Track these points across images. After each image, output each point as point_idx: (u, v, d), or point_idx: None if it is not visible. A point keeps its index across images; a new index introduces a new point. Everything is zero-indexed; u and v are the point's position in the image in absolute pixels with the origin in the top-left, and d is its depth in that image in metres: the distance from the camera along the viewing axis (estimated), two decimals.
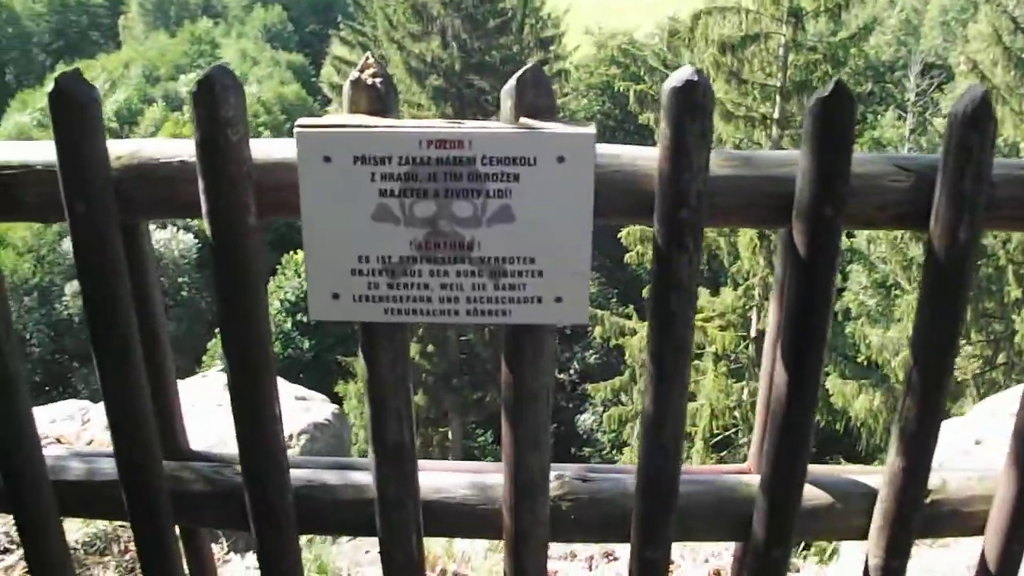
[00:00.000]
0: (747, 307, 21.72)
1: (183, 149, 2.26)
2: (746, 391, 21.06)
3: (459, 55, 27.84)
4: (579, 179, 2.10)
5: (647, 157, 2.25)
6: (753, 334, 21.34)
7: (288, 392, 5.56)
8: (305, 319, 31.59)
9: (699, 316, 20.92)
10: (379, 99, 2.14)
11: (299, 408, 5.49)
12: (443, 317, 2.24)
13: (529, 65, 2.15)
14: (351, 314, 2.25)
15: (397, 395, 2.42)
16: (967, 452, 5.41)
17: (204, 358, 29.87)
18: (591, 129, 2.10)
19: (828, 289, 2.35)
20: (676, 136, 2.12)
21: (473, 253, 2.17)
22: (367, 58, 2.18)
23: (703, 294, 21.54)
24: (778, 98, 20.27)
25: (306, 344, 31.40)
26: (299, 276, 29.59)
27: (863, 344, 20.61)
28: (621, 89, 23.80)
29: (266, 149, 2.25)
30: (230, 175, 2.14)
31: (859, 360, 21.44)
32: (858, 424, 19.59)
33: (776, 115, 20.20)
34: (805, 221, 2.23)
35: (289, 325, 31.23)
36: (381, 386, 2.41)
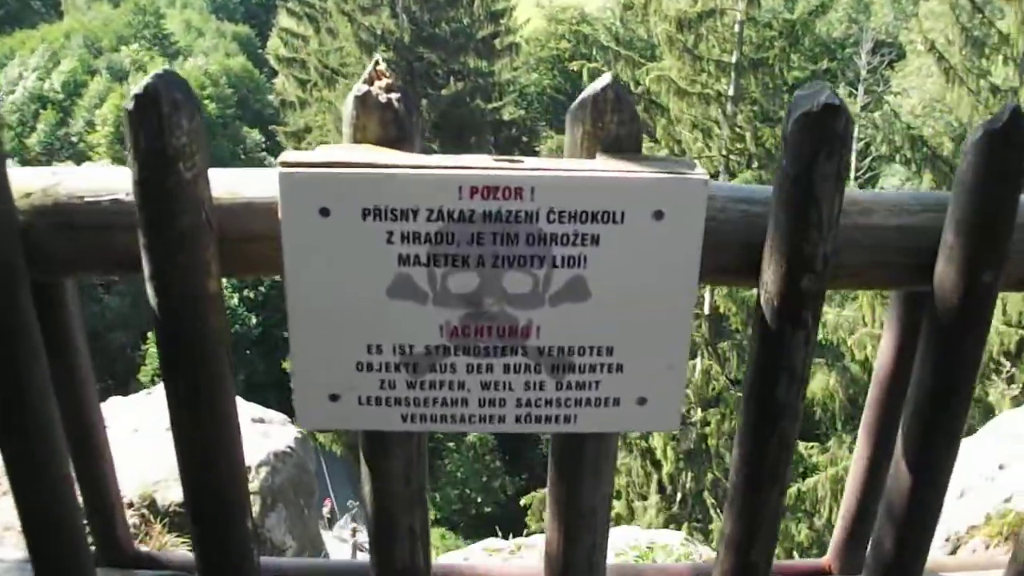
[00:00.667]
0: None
1: (119, 183, 1.58)
2: (697, 369, 20.65)
3: (409, 27, 26.92)
4: (683, 241, 1.47)
5: (757, 200, 1.63)
6: (707, 311, 20.93)
7: (244, 414, 4.87)
8: (252, 294, 30.60)
9: None
10: (397, 124, 1.48)
11: (256, 433, 4.77)
12: (483, 425, 1.60)
13: (605, 79, 1.50)
14: (356, 421, 1.60)
15: (411, 511, 1.78)
16: (991, 479, 4.82)
17: (149, 349, 28.43)
18: (701, 172, 1.47)
19: (974, 370, 1.76)
20: (803, 179, 1.50)
21: (529, 342, 1.53)
22: (377, 63, 1.51)
23: None
24: (733, 75, 19.76)
25: (253, 320, 30.40)
26: None
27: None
28: (575, 68, 23.09)
29: (233, 183, 1.58)
30: (181, 229, 1.47)
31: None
32: (814, 403, 19.30)
33: (731, 92, 19.70)
34: (953, 284, 1.62)
35: (236, 301, 30.15)
36: (389, 500, 1.76)
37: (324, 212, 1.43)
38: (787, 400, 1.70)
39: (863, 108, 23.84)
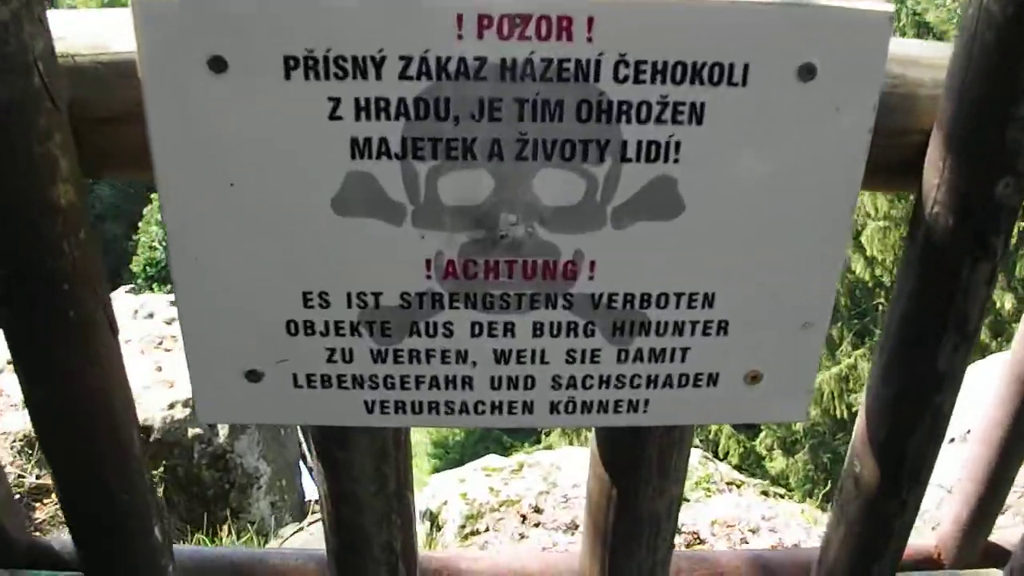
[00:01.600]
0: None
1: None
2: None
3: None
4: (846, 118, 0.83)
5: (922, 61, 1.00)
6: None
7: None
8: None
9: None
10: None
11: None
12: (498, 417, 0.97)
13: None
14: (291, 411, 0.97)
15: (387, 523, 1.18)
16: (954, 443, 3.69)
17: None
18: (882, 4, 0.82)
19: None
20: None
21: (576, 286, 0.89)
22: None
23: None
24: None
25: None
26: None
27: None
28: None
29: (96, 32, 0.94)
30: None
31: None
32: None
33: None
34: None
35: None
36: (355, 509, 1.16)
37: (217, 64, 0.78)
38: (951, 367, 1.09)
39: None
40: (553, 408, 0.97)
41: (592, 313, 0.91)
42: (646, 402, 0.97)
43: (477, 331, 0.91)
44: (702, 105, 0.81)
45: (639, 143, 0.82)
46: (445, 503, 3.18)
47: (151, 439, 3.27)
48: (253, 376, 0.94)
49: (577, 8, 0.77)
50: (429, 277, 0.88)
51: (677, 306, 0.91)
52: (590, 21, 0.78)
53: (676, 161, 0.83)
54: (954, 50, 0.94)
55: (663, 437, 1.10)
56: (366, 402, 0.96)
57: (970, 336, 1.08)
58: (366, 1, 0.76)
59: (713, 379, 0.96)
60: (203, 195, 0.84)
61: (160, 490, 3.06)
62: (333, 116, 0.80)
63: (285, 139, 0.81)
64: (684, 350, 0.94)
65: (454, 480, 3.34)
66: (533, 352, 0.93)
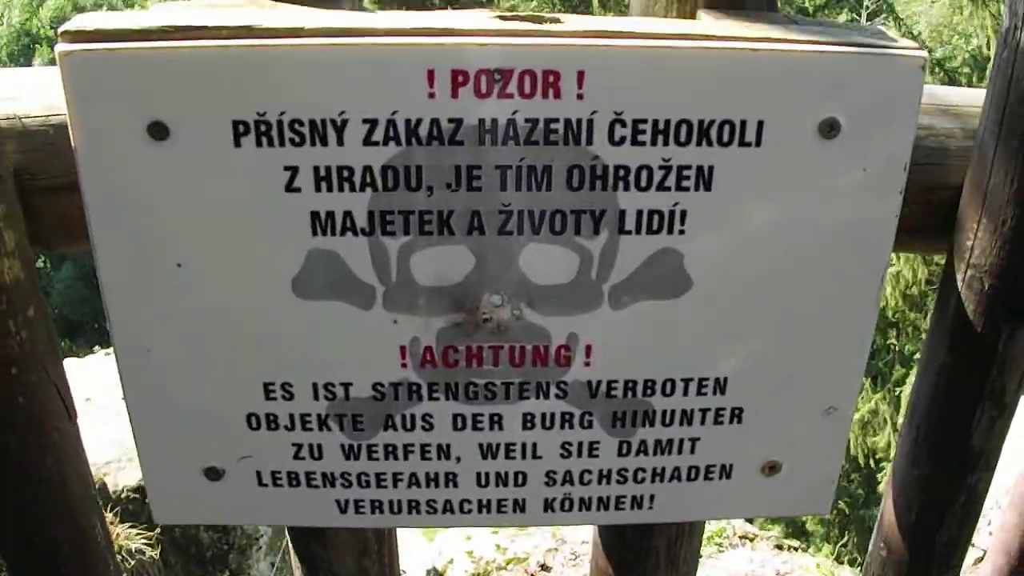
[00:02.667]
0: None
1: None
2: None
3: None
4: (874, 179, 0.71)
5: (951, 110, 0.89)
6: None
7: None
8: None
9: None
10: None
11: None
12: (485, 516, 0.85)
13: None
14: (255, 511, 0.85)
15: None
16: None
17: None
18: (911, 47, 0.70)
19: None
20: None
21: (571, 373, 0.77)
22: None
23: None
24: None
25: None
26: None
27: None
28: None
29: (47, 90, 0.84)
30: None
31: None
32: None
33: None
34: None
35: None
36: None
37: (157, 131, 0.67)
38: (987, 444, 0.97)
39: None
40: (548, 506, 0.84)
41: (589, 402, 0.79)
42: (651, 497, 0.85)
43: (460, 424, 0.79)
44: (710, 169, 0.70)
45: (639, 213, 0.71)
46: (451, 561, 3.04)
47: (146, 501, 3.14)
48: (213, 474, 0.82)
49: (565, 61, 0.66)
50: (404, 366, 0.76)
51: (685, 393, 0.79)
52: (580, 75, 0.66)
53: (681, 232, 0.72)
54: (986, 97, 0.83)
55: (672, 526, 0.98)
56: (338, 501, 0.84)
57: (1008, 409, 0.96)
58: (322, 59, 0.65)
59: (726, 471, 0.84)
60: (148, 277, 0.73)
61: (156, 552, 2.93)
62: (290, 187, 0.69)
63: (237, 214, 0.70)
64: (693, 441, 0.82)
65: (460, 537, 3.21)
66: (524, 446, 0.81)
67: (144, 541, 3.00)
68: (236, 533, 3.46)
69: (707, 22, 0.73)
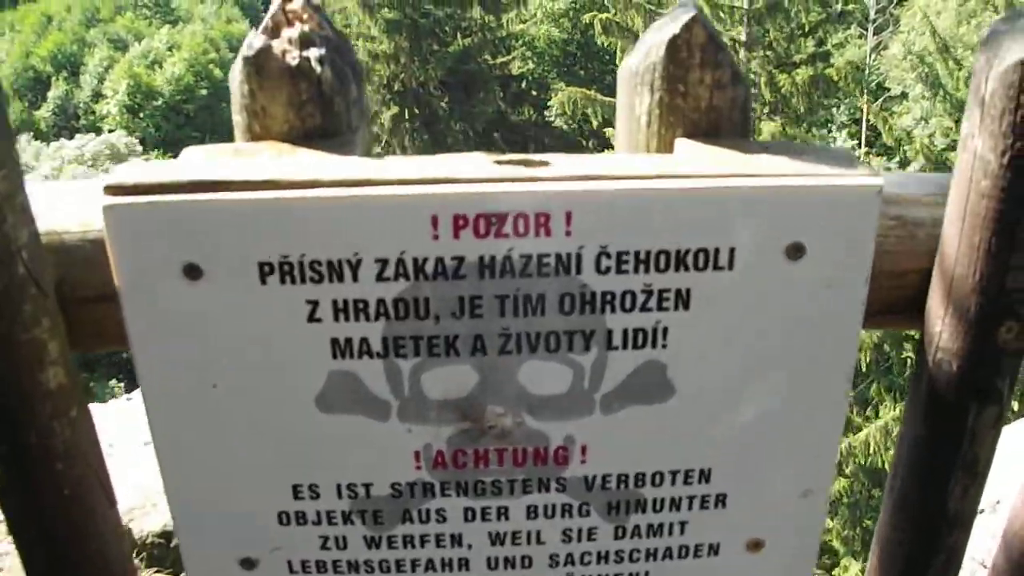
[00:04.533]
0: None
1: None
2: None
3: None
4: (836, 295, 0.77)
5: (915, 199, 0.93)
6: None
7: None
8: None
9: None
10: (321, 104, 0.78)
11: None
12: None
13: (686, 11, 0.78)
14: None
15: None
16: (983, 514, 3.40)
17: None
18: (868, 174, 0.75)
19: None
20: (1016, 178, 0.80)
21: (568, 470, 0.83)
22: (284, 3, 0.80)
23: None
24: (746, 20, 18.65)
25: None
26: None
27: None
28: (586, 20, 21.56)
29: (86, 206, 0.89)
30: None
31: None
32: None
33: (743, 39, 18.61)
34: None
35: None
36: None
37: (192, 272, 0.73)
38: (962, 508, 1.01)
39: (872, 50, 22.43)
40: None
41: (586, 494, 0.84)
42: (646, 573, 0.90)
43: (470, 516, 0.85)
44: (687, 291, 0.75)
45: (625, 331, 0.76)
46: None
47: (171, 545, 3.18)
48: (248, 564, 0.88)
49: (554, 203, 0.72)
50: (419, 468, 0.82)
51: (673, 483, 0.84)
52: (568, 215, 0.72)
53: (664, 346, 0.77)
54: (950, 196, 0.88)
55: None
56: None
57: (980, 476, 1.00)
58: (336, 209, 0.71)
59: (714, 549, 0.89)
60: (186, 396, 0.78)
61: None
62: (312, 318, 0.75)
63: (265, 342, 0.76)
64: (682, 523, 0.87)
65: None
66: (529, 533, 0.86)
67: None
68: None
69: (684, 155, 0.78)
